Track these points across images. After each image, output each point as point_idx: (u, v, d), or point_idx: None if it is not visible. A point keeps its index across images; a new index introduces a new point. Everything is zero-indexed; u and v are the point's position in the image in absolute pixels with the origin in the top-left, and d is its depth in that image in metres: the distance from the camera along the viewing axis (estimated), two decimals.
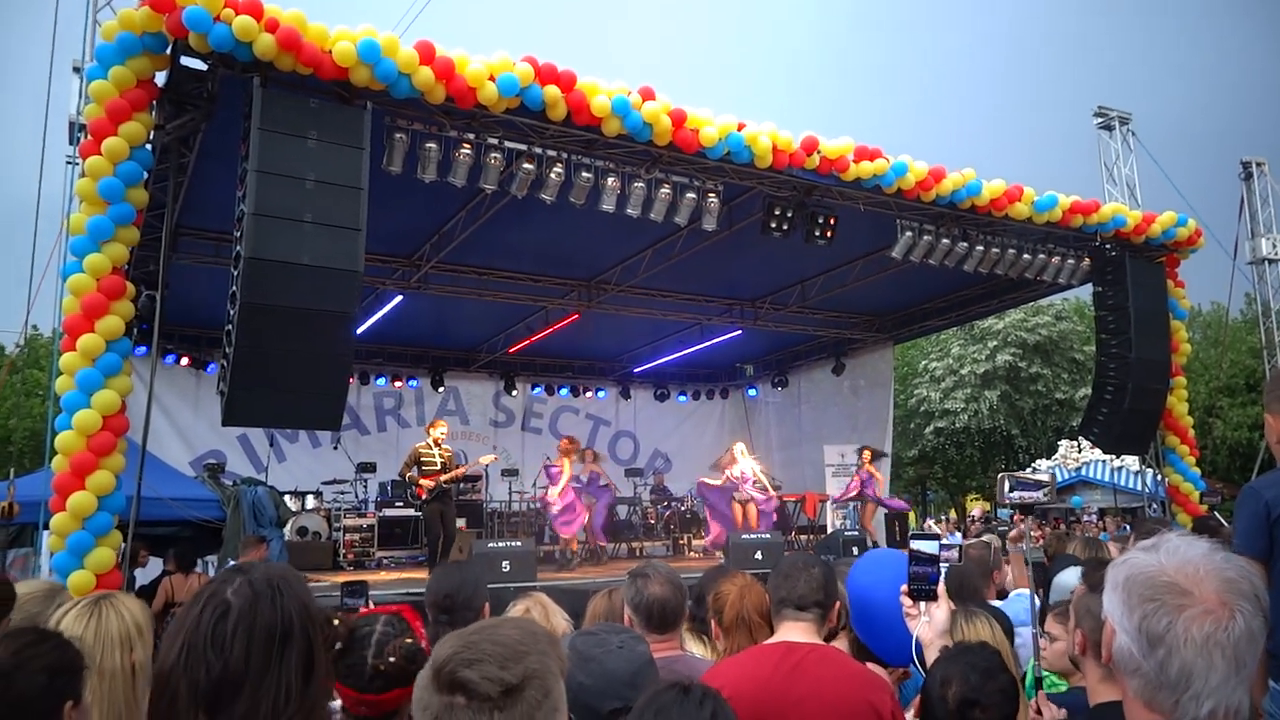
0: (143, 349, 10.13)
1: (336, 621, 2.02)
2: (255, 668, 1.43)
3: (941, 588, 2.32)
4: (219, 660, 1.41)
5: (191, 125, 6.97)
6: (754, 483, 12.34)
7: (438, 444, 10.37)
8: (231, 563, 7.77)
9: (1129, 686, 1.39)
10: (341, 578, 8.43)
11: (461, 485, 14.11)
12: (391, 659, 1.98)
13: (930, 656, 2.23)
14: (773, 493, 12.64)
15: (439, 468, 10.20)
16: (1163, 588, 1.34)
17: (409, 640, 2.05)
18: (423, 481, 10.11)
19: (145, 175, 6.59)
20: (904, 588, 2.35)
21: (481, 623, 1.32)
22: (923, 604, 2.30)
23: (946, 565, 2.33)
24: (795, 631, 2.37)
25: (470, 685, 1.20)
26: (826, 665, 2.29)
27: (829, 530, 14.04)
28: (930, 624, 2.27)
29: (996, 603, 4.09)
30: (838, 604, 2.48)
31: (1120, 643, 1.39)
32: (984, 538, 4.39)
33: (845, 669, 2.30)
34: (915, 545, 2.34)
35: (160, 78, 6.56)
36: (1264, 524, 2.41)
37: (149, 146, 6.62)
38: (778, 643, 2.39)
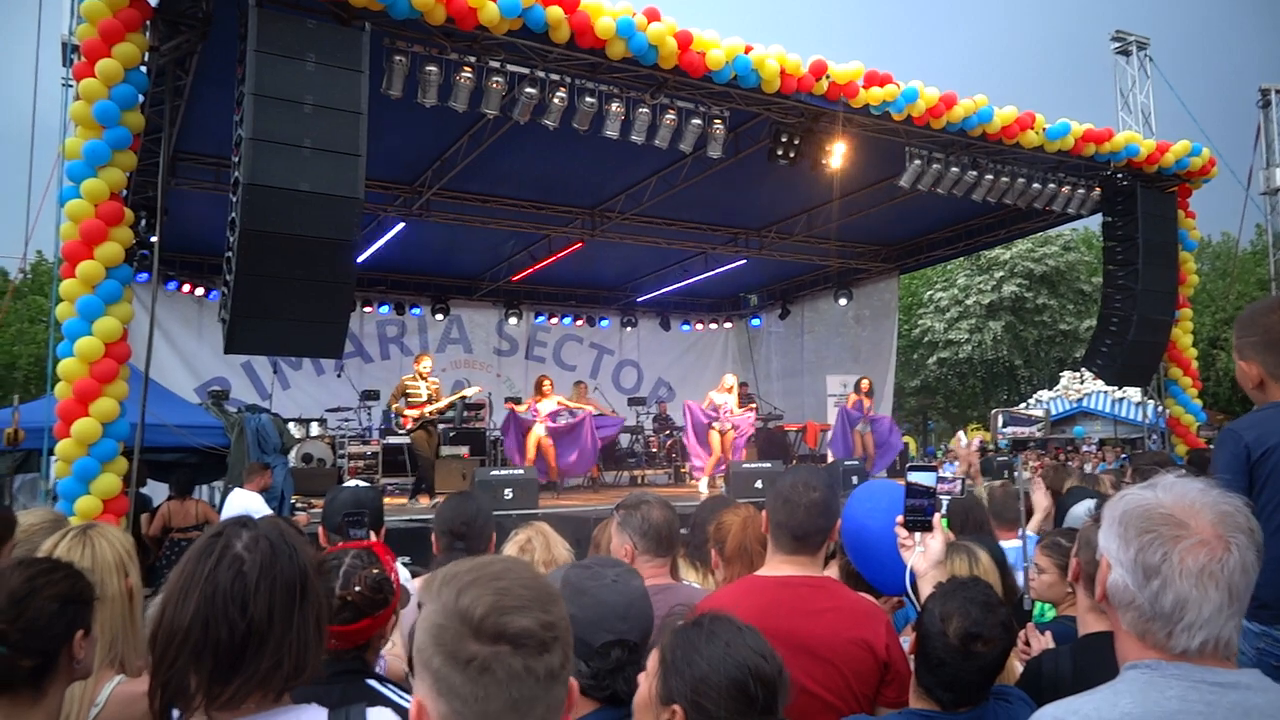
0: (144, 275, 10.08)
1: None
2: (279, 622, 1.44)
3: (937, 519, 2.32)
4: (243, 617, 1.41)
5: (187, 47, 6.82)
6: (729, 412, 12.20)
7: (424, 377, 10.43)
8: (236, 488, 7.85)
9: (1121, 620, 1.40)
10: None
11: (465, 414, 14.21)
12: (358, 589, 2.01)
13: (924, 587, 2.24)
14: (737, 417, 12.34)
15: (424, 399, 10.26)
16: (1159, 519, 1.35)
17: (375, 571, 2.07)
18: (408, 412, 10.20)
19: (141, 98, 6.47)
20: (899, 518, 2.35)
21: (487, 565, 1.30)
22: (918, 534, 2.31)
23: (947, 498, 2.33)
24: (790, 565, 2.37)
25: (524, 634, 1.20)
26: (820, 598, 2.30)
27: (829, 459, 14.14)
28: (925, 554, 2.28)
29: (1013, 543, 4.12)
30: (838, 523, 2.47)
31: (1115, 577, 1.39)
32: (1001, 482, 4.40)
33: (839, 602, 2.30)
34: (911, 477, 2.34)
35: None
36: (1244, 465, 2.41)
37: (144, 69, 6.49)
38: (772, 576, 2.39)
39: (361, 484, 6.11)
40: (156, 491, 9.80)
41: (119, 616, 2.21)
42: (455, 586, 1.25)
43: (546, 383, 11.92)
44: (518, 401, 15.09)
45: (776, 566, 2.39)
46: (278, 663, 1.43)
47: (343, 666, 2.01)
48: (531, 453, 11.44)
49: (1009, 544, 4.09)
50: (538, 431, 11.51)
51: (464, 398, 11.93)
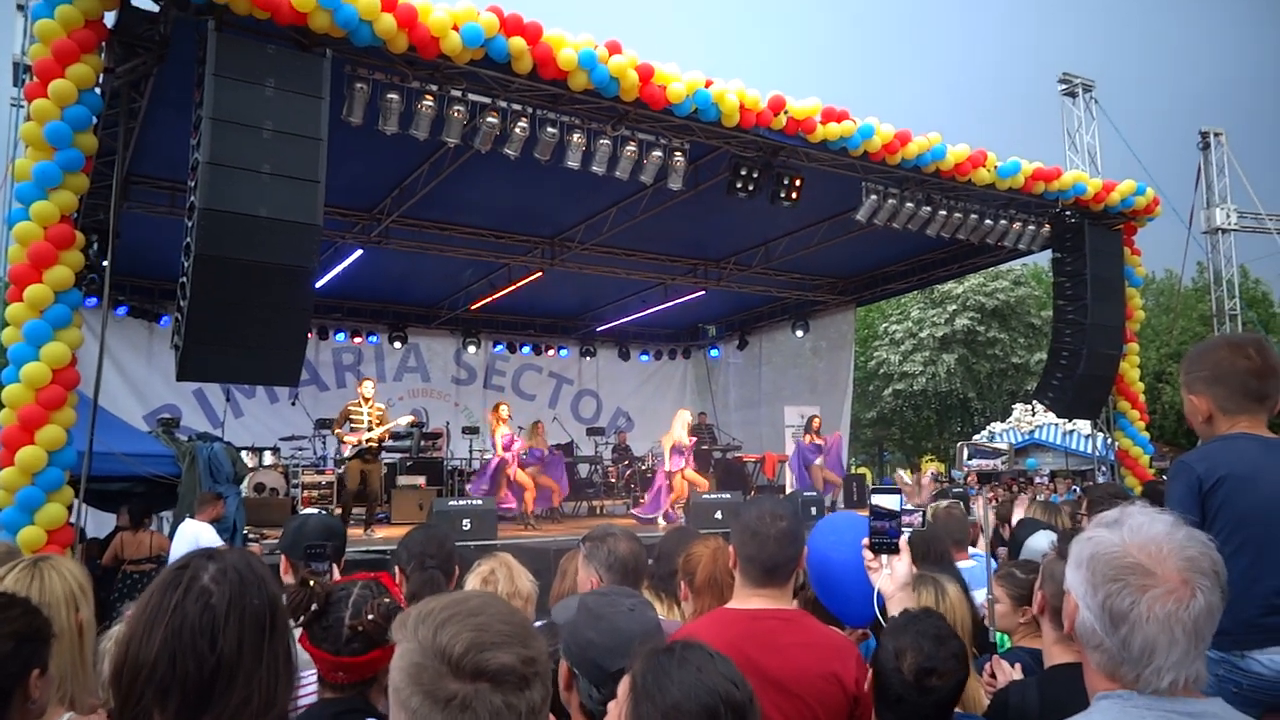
0: (93, 300, 9.89)
1: (312, 583, 1.99)
2: (248, 656, 1.40)
3: (903, 541, 2.33)
4: (212, 651, 1.37)
5: (143, 69, 6.74)
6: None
7: (367, 401, 10.28)
8: (188, 518, 7.66)
9: (1090, 658, 1.43)
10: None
11: (422, 443, 14.07)
12: (370, 618, 1.96)
13: (893, 610, 2.25)
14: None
15: (365, 425, 10.14)
16: (1126, 569, 1.37)
17: (387, 600, 2.03)
18: (347, 438, 10.06)
19: (94, 120, 6.36)
20: (865, 540, 2.36)
21: (467, 601, 1.28)
22: (884, 557, 2.32)
23: (909, 530, 2.35)
24: (761, 597, 2.36)
25: (504, 670, 1.18)
26: (791, 632, 2.29)
27: (788, 490, 14.20)
28: (892, 576, 2.29)
29: (966, 563, 4.16)
30: (804, 550, 2.46)
31: (1083, 618, 1.42)
32: (947, 503, 4.45)
33: (810, 636, 2.30)
34: (875, 499, 2.35)
35: (110, 18, 6.31)
36: (1196, 497, 2.46)
37: (98, 90, 6.39)
38: (742, 609, 2.37)
39: (323, 513, 6.02)
40: (104, 522, 9.54)
41: (69, 652, 2.12)
42: (432, 624, 1.23)
43: (504, 408, 11.81)
44: (475, 431, 15.00)
45: (746, 599, 2.37)
46: (247, 698, 1.38)
47: (346, 707, 1.95)
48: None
49: (961, 564, 4.14)
50: (516, 471, 11.46)
51: (399, 425, 11.72)
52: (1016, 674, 2.42)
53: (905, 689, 1.95)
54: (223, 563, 1.47)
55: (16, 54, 8.28)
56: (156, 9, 6.31)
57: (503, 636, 1.21)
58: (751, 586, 2.37)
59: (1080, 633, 1.43)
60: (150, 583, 1.47)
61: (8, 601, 1.84)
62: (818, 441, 13.73)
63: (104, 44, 6.36)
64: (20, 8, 8.02)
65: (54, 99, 5.99)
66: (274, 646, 1.44)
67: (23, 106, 6.61)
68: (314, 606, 1.98)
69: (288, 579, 3.21)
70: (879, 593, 2.30)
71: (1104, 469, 13.19)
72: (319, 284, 12.60)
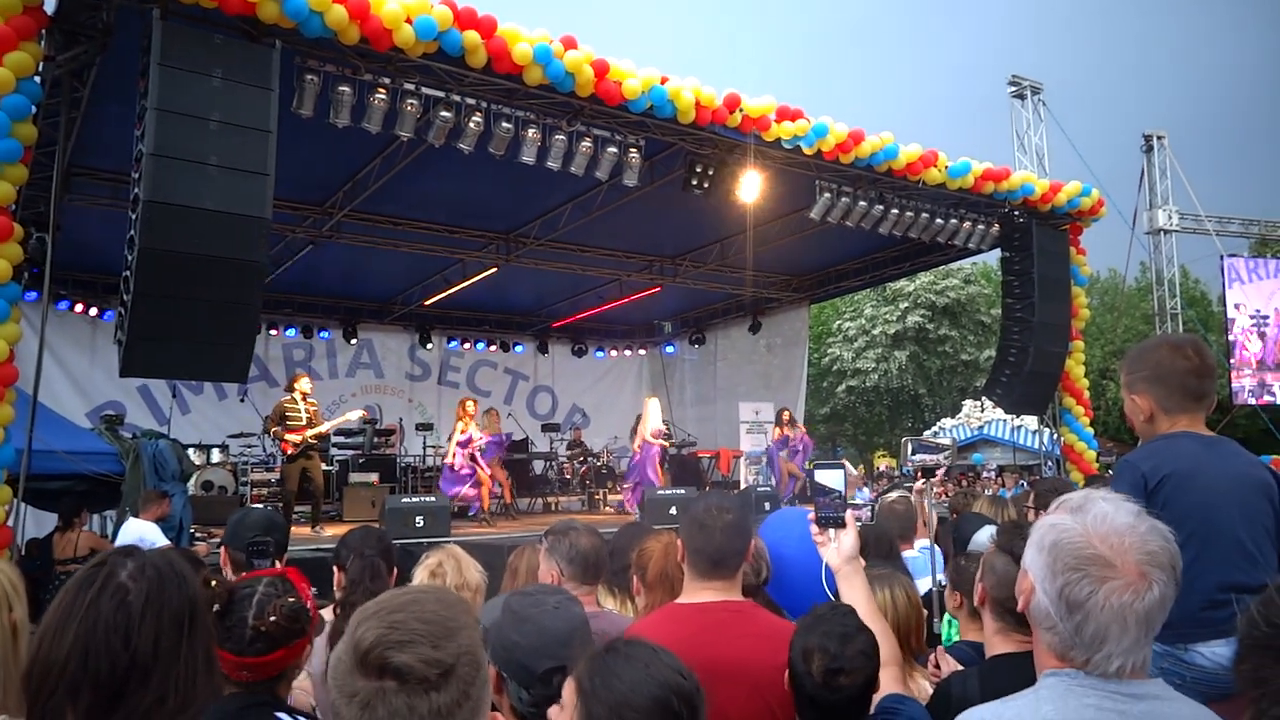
0: (33, 294, 9.58)
1: (214, 583, 1.95)
2: (164, 655, 1.36)
3: (849, 515, 2.36)
4: (125, 649, 1.33)
5: (85, 58, 6.57)
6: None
7: (304, 397, 10.12)
8: (131, 517, 7.50)
9: (1041, 638, 1.48)
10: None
11: (375, 440, 13.92)
12: (273, 618, 1.93)
13: (841, 585, 2.28)
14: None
15: (304, 423, 9.97)
16: (1088, 560, 1.41)
17: (291, 599, 2.00)
18: (288, 437, 9.88)
19: (33, 109, 6.17)
20: (811, 515, 2.38)
21: (397, 596, 1.27)
22: (831, 531, 2.35)
23: (859, 522, 2.38)
24: (709, 591, 2.37)
25: (405, 669, 1.16)
26: (741, 623, 2.31)
27: (742, 485, 14.30)
28: (839, 550, 2.32)
29: (911, 553, 4.22)
30: (753, 543, 2.48)
31: (1039, 601, 1.46)
32: (897, 494, 4.50)
33: (760, 627, 2.32)
34: (818, 475, 2.39)
35: (50, 4, 6.14)
36: (1141, 494, 2.52)
37: (38, 79, 6.20)
38: (691, 603, 2.38)
39: (266, 507, 5.92)
40: (44, 522, 9.29)
41: (1, 653, 2.07)
42: (359, 618, 1.23)
43: (471, 404, 11.72)
44: (429, 428, 14.86)
45: (696, 593, 2.38)
46: (161, 697, 1.35)
47: (252, 700, 1.92)
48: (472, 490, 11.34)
49: (907, 553, 4.21)
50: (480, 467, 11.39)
51: (348, 421, 11.57)
52: (957, 665, 2.46)
53: (816, 689, 1.97)
54: (141, 560, 1.43)
55: None
56: None
57: (413, 635, 1.19)
58: (700, 579, 2.38)
59: (1034, 613, 1.48)
60: None
61: None
62: (788, 434, 13.86)
63: (44, 31, 6.20)
64: None
65: None
66: (193, 644, 1.40)
67: None
68: (215, 606, 1.94)
69: (227, 572, 3.17)
70: (827, 567, 2.33)
71: (1050, 463, 13.47)
72: (268, 278, 12.40)
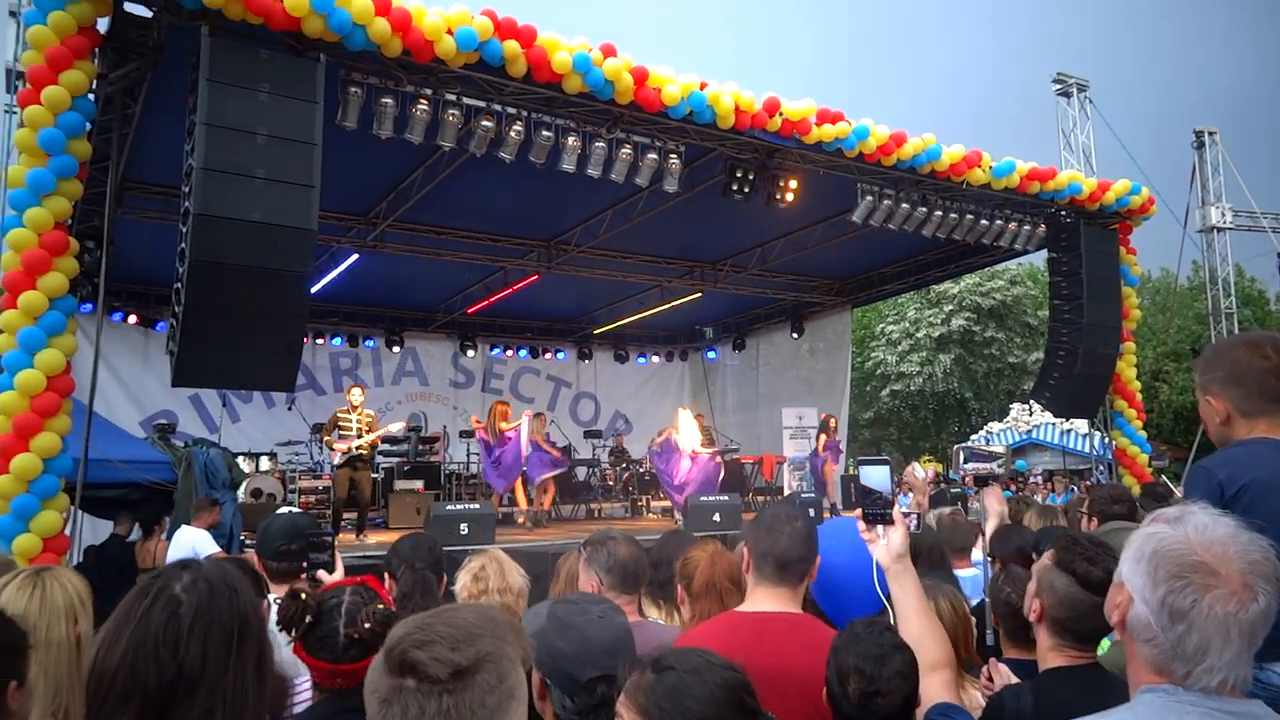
0: (88, 306, 9.85)
1: (304, 595, 1.99)
2: (212, 668, 1.38)
3: (897, 511, 2.31)
4: (173, 660, 1.35)
5: (136, 75, 6.73)
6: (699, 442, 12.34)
7: (356, 409, 10.24)
8: (184, 525, 7.64)
9: (1139, 651, 1.43)
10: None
11: (420, 447, 14.04)
12: (367, 625, 1.96)
13: (891, 582, 2.24)
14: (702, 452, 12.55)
15: (355, 432, 10.09)
16: (1191, 566, 1.37)
17: (381, 606, 2.03)
18: (336, 445, 10.02)
19: (88, 126, 6.35)
20: (858, 513, 2.35)
21: (442, 609, 1.29)
22: (879, 528, 2.31)
23: (900, 509, 2.33)
24: (771, 598, 2.36)
25: (420, 666, 1.17)
26: (797, 634, 2.28)
27: (786, 492, 14.20)
28: (888, 547, 2.28)
29: (969, 571, 4.15)
30: (818, 559, 2.46)
31: (1137, 612, 1.42)
32: (950, 509, 4.43)
33: (815, 637, 2.29)
34: (863, 471, 2.34)
35: (103, 24, 6.30)
36: (1217, 504, 2.43)
37: (92, 96, 6.38)
38: (750, 612, 2.37)
39: (293, 511, 5.98)
40: (100, 529, 9.51)
41: (64, 664, 2.11)
42: (397, 632, 1.25)
43: (502, 408, 11.81)
44: (473, 435, 14.93)
45: (759, 600, 2.37)
46: (209, 709, 1.37)
47: (345, 704, 1.94)
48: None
49: (962, 572, 4.12)
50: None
51: (391, 431, 11.67)
52: (1011, 677, 2.41)
53: (852, 710, 1.94)
54: (196, 573, 1.45)
55: (9, 61, 8.25)
56: (150, 15, 6.30)
57: (435, 635, 1.21)
58: (765, 584, 2.37)
59: (1132, 626, 1.43)
60: None
61: None
62: (836, 439, 13.80)
63: (97, 50, 6.36)
64: (13, 14, 7.99)
65: (48, 105, 5.98)
66: (243, 657, 1.42)
67: (16, 113, 6.59)
68: (307, 618, 1.98)
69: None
70: (877, 565, 2.29)
71: (1102, 468, 13.19)
72: (315, 288, 12.59)
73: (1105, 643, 2.21)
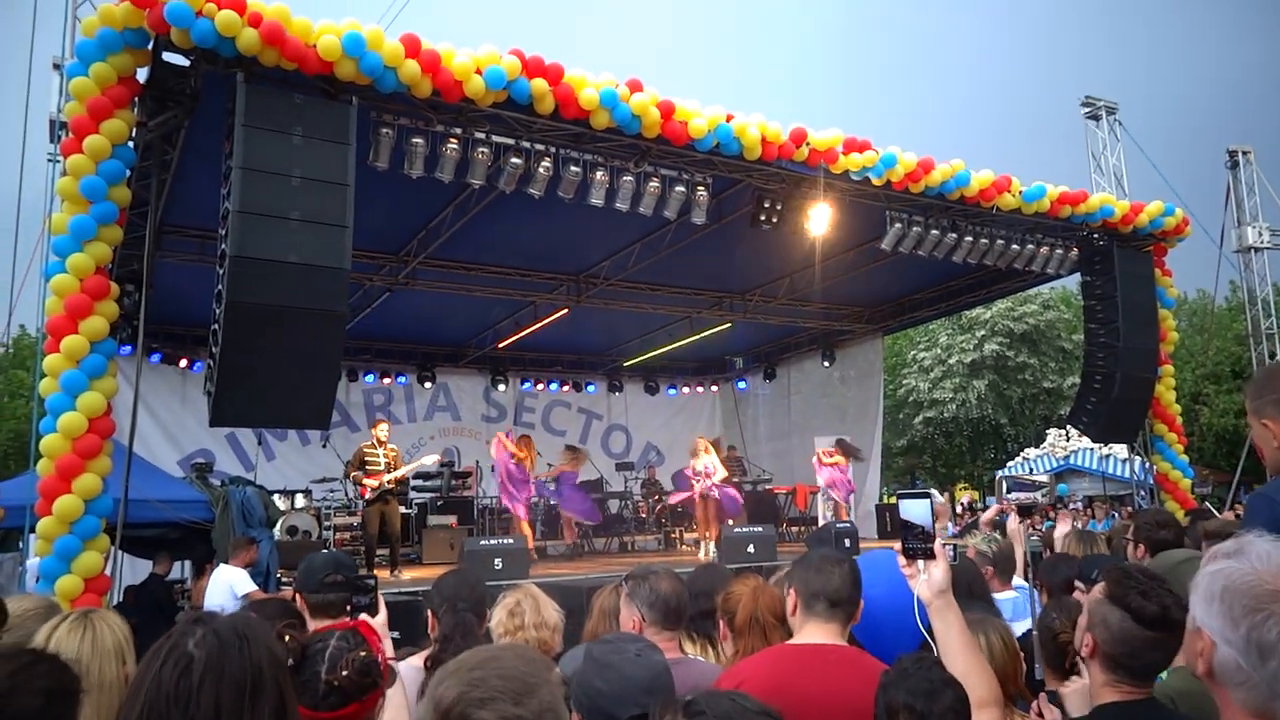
0: (128, 348, 10.03)
1: (287, 639, 1.98)
2: None
3: (939, 545, 2.27)
4: (185, 718, 1.35)
5: (174, 122, 6.89)
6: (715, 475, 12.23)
7: (382, 443, 10.27)
8: (221, 564, 7.70)
9: (1233, 697, 1.36)
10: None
11: (453, 482, 14.08)
12: (345, 673, 1.94)
13: (933, 616, 2.20)
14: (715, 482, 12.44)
15: (382, 468, 10.11)
16: (1268, 597, 1.31)
17: (363, 653, 2.01)
18: (366, 481, 10.03)
19: (128, 173, 6.51)
20: (898, 547, 2.32)
21: (477, 653, 1.27)
22: (920, 562, 2.27)
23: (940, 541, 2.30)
24: (821, 632, 2.36)
25: None
26: (848, 665, 2.27)
27: (820, 522, 14.06)
28: (929, 582, 2.24)
29: (1009, 594, 4.07)
30: (861, 604, 2.45)
31: (1224, 656, 1.35)
32: (981, 536, 4.35)
33: (868, 669, 2.28)
34: (903, 505, 2.31)
35: (142, 74, 6.47)
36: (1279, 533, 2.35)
37: (131, 144, 6.54)
38: (802, 644, 2.37)
39: (329, 550, 5.99)
40: (139, 569, 9.61)
41: (116, 705, 2.13)
42: (440, 676, 1.23)
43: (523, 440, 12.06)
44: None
45: (810, 634, 2.38)
46: None
47: None
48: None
49: (1003, 596, 4.05)
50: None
51: (423, 465, 11.73)
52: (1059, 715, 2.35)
53: None
54: (207, 627, 1.44)
55: (53, 112, 8.49)
56: (188, 64, 6.46)
57: (494, 691, 1.19)
58: (816, 620, 2.38)
59: (1221, 672, 1.35)
60: None
61: (35, 659, 1.83)
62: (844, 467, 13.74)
63: (137, 99, 6.53)
64: (56, 66, 8.24)
65: (89, 154, 6.14)
66: (257, 709, 1.40)
67: (59, 162, 6.76)
68: (289, 660, 1.96)
69: (306, 618, 3.20)
70: (918, 600, 2.25)
71: (1143, 493, 12.94)
72: (347, 326, 12.72)
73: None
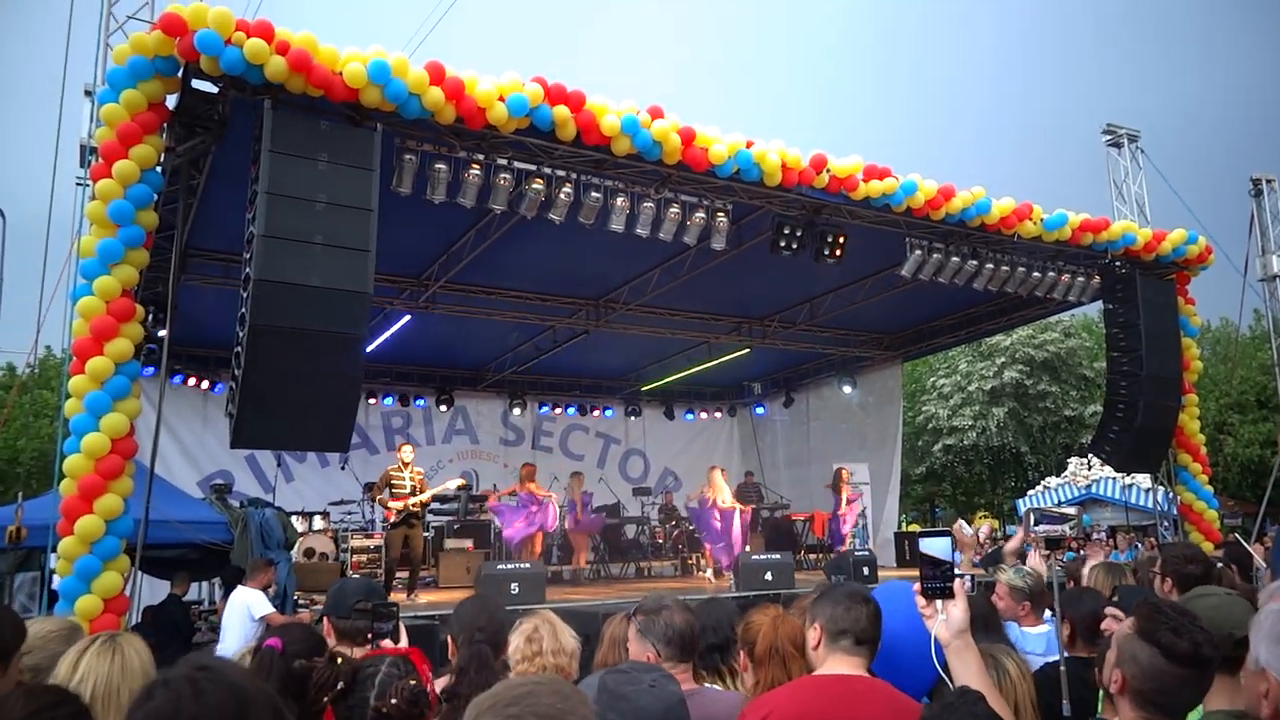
0: (150, 369, 10.14)
1: (340, 660, 1.98)
2: None
3: (958, 584, 2.25)
4: None
5: (202, 147, 6.99)
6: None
7: (407, 466, 10.28)
8: (239, 586, 7.71)
9: None
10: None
11: (470, 505, 14.08)
12: (394, 700, 1.93)
13: (951, 659, 2.18)
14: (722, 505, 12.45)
15: (408, 490, 10.12)
16: None
17: (413, 683, 2.00)
18: (391, 504, 10.04)
19: (155, 197, 6.60)
20: (917, 587, 2.29)
21: (512, 688, 1.26)
22: (939, 602, 2.25)
23: (959, 580, 2.27)
24: (846, 665, 2.35)
25: None
26: (875, 696, 2.26)
27: (840, 550, 13.94)
28: (947, 623, 2.22)
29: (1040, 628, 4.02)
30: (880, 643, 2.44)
31: None
32: (1012, 570, 4.31)
33: (897, 702, 2.27)
34: (924, 545, 2.29)
35: (171, 100, 6.58)
36: None
37: (159, 169, 6.64)
38: (831, 675, 2.36)
39: (357, 576, 5.97)
40: (158, 589, 9.64)
41: None
42: (475, 712, 1.22)
43: (525, 469, 12.26)
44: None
45: (835, 666, 2.38)
46: None
47: None
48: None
49: (1037, 630, 3.99)
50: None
51: (447, 489, 11.76)
52: None
53: None
54: (169, 685, 1.32)
55: (84, 137, 8.63)
56: (216, 91, 6.56)
57: None
58: (840, 654, 2.38)
59: None
60: None
61: (57, 699, 1.81)
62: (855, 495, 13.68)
63: (166, 124, 6.63)
64: (88, 94, 8.39)
65: (118, 178, 6.23)
66: None
67: (88, 186, 6.87)
68: (340, 685, 1.96)
69: (332, 641, 3.20)
70: (936, 640, 2.22)
71: (1166, 524, 12.77)
72: (368, 349, 12.81)
73: (1195, 714, 2.12)
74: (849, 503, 13.72)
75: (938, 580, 2.25)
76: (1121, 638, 2.08)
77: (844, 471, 13.98)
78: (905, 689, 2.53)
